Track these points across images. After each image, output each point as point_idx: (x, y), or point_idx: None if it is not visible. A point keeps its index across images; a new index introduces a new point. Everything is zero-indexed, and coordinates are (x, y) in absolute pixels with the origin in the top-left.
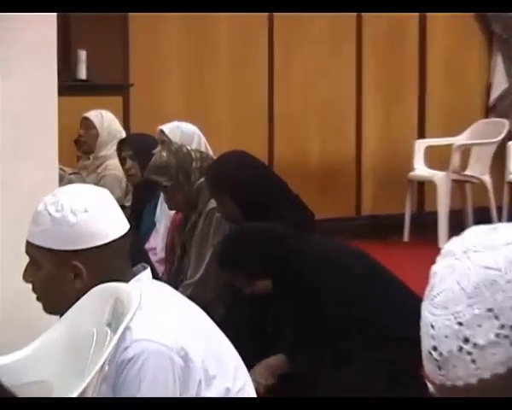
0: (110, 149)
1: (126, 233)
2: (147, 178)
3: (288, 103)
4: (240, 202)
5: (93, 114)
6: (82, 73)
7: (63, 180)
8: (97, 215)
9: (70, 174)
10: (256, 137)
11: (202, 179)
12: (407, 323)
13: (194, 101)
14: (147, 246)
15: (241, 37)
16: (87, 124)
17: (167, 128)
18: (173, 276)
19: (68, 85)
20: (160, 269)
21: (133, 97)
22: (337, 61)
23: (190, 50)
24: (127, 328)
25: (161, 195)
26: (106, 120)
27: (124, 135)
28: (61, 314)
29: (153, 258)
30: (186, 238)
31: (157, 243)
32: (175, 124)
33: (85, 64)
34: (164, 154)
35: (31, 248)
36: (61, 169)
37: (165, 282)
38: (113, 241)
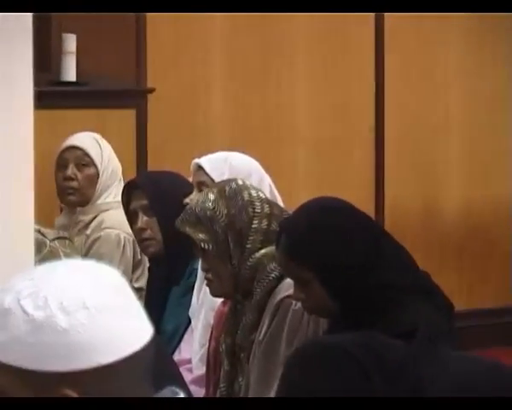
0: (109, 196)
1: (148, 343)
2: (174, 235)
3: (404, 119)
4: (335, 287)
5: (87, 142)
6: (69, 73)
7: (42, 250)
8: (104, 313)
9: (53, 240)
10: (358, 172)
11: (265, 250)
12: None
13: (249, 119)
14: (176, 357)
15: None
16: (80, 158)
17: (208, 162)
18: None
19: (48, 92)
20: (199, 394)
21: (153, 110)
22: (491, 82)
23: (243, 49)
24: None
25: (199, 271)
26: (106, 152)
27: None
28: None
29: (186, 376)
30: (240, 344)
31: (192, 351)
32: (220, 156)
33: (75, 58)
34: (211, 196)
35: None
36: (38, 232)
37: None
38: (128, 357)
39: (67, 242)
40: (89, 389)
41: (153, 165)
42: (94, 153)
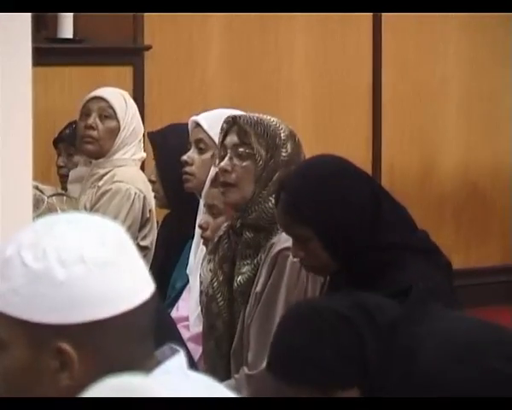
0: (127, 153)
1: (149, 298)
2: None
3: (402, 80)
4: (334, 246)
5: (113, 95)
6: (66, 30)
7: (40, 206)
8: (102, 268)
9: (51, 196)
10: (355, 133)
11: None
12: None
13: (247, 76)
14: (174, 315)
15: None
16: (104, 110)
17: (206, 120)
18: None
19: (45, 49)
20: (196, 352)
21: (150, 67)
22: (489, 50)
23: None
24: None
25: (196, 229)
26: (131, 110)
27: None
28: None
29: (183, 334)
30: (235, 298)
31: (189, 309)
32: (218, 113)
33: (72, 15)
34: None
35: None
36: (36, 188)
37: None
38: (128, 311)
39: (65, 198)
40: (83, 344)
41: (150, 122)
42: (118, 106)
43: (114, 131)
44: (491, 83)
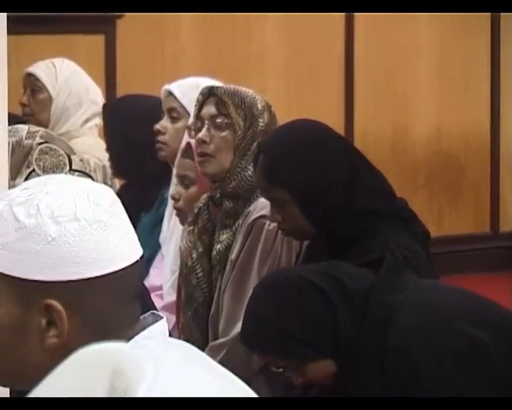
0: (76, 122)
1: (135, 263)
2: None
3: (374, 47)
4: (311, 209)
5: (41, 68)
6: None
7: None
8: (94, 228)
9: None
10: (328, 101)
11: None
12: None
13: (219, 46)
14: (146, 284)
15: None
16: (32, 84)
17: (178, 88)
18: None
19: (14, 17)
20: (170, 321)
21: (122, 36)
22: (463, 15)
23: None
24: None
25: (169, 199)
26: (62, 74)
27: (98, 97)
28: (20, 391)
29: (157, 303)
30: (213, 267)
31: (163, 278)
32: (191, 81)
33: None
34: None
35: None
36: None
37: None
38: (117, 273)
39: None
40: (71, 302)
41: (122, 91)
42: (44, 76)
43: (46, 102)
44: (465, 49)
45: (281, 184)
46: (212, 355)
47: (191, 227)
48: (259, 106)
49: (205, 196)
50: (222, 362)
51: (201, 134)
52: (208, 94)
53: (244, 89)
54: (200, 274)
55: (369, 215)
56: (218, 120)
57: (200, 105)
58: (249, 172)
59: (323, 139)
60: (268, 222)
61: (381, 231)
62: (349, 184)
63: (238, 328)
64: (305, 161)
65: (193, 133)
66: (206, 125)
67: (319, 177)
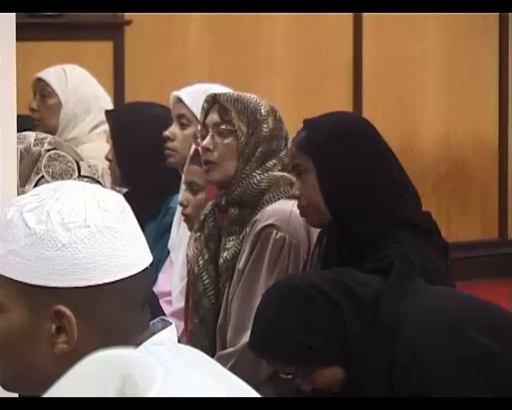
0: (84, 128)
1: (145, 270)
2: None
3: (383, 52)
4: (330, 190)
5: (51, 73)
6: None
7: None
8: (104, 234)
9: None
10: (336, 105)
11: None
12: None
13: (227, 51)
14: (155, 290)
15: None
16: (42, 89)
17: (187, 95)
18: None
19: (23, 24)
20: (178, 327)
21: (130, 42)
22: (471, 24)
23: None
24: None
25: (178, 208)
26: (72, 81)
27: (107, 104)
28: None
29: (165, 309)
30: (220, 274)
31: (172, 284)
32: (200, 88)
33: None
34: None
35: None
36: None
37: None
38: (127, 279)
39: None
40: (81, 308)
41: (130, 97)
42: (54, 82)
43: (55, 108)
44: (473, 55)
45: (307, 151)
46: (220, 365)
47: (198, 234)
48: (263, 111)
49: (210, 202)
50: (231, 370)
51: (205, 142)
52: (212, 101)
53: (248, 95)
54: (206, 281)
55: (390, 221)
56: (222, 128)
57: (206, 113)
58: (254, 180)
59: (364, 136)
60: (275, 231)
61: (401, 240)
62: (376, 182)
63: (246, 337)
64: (338, 146)
65: (199, 141)
66: (210, 133)
67: (346, 163)
